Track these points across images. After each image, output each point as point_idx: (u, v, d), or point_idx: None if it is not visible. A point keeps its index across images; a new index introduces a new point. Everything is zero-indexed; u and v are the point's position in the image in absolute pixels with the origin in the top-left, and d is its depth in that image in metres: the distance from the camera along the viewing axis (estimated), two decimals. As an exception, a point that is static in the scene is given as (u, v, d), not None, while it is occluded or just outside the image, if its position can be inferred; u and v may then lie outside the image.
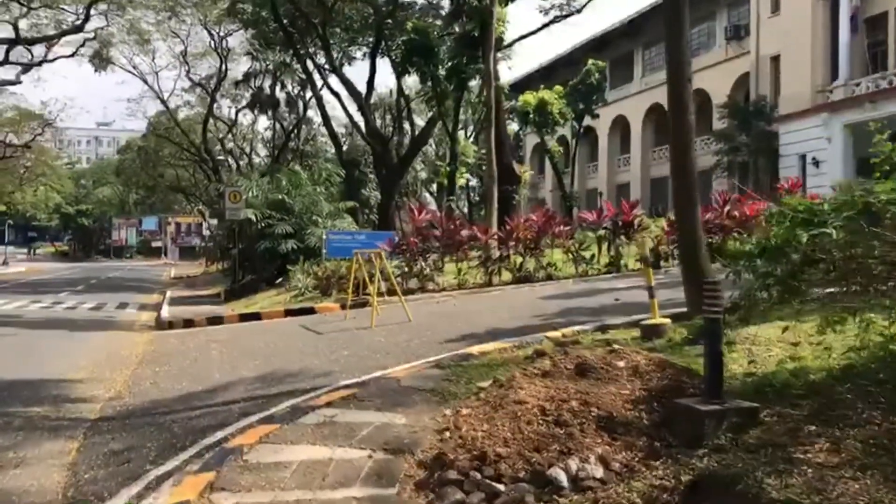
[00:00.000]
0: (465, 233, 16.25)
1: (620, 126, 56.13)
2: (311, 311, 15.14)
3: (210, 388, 8.41)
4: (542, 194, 62.51)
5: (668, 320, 7.80)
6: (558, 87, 46.01)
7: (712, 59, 46.09)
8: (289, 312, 15.30)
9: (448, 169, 32.00)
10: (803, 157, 36.48)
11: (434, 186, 70.81)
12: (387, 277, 11.52)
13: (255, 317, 15.58)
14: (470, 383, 6.53)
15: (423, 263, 15.39)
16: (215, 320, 15.93)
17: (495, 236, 16.55)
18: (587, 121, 49.46)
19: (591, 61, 47.75)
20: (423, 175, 63.67)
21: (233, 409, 7.17)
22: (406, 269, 15.64)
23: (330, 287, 17.18)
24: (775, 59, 39.89)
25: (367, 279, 12.73)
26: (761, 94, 39.85)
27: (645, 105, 52.81)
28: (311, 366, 8.74)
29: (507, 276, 16.29)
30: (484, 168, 41.75)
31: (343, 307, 14.86)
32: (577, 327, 8.64)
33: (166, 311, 20.47)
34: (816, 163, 35.50)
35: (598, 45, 53.17)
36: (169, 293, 30.98)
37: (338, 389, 7.15)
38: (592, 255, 16.71)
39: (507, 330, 9.44)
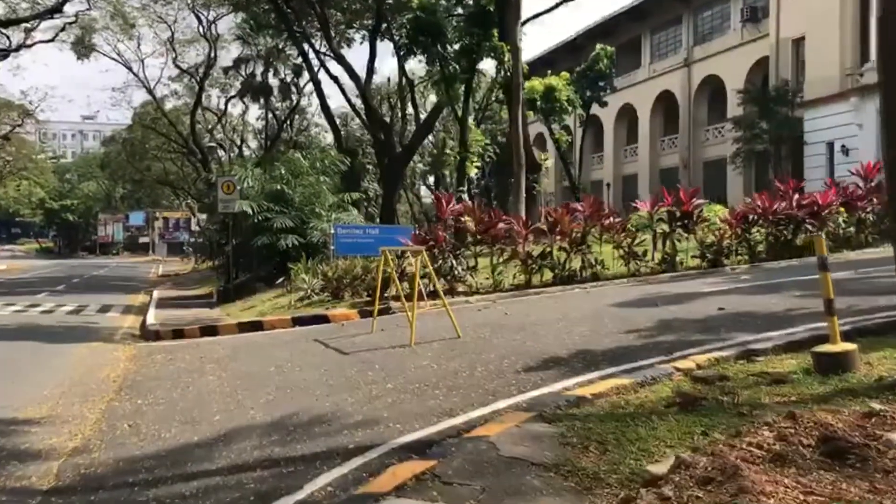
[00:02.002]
0: (501, 225, 13.95)
1: (627, 115, 54.06)
2: (323, 319, 12.82)
3: (209, 438, 6.13)
4: (546, 185, 60.36)
5: (853, 346, 5.56)
6: (565, 74, 43.75)
7: (726, 43, 44.02)
8: (297, 321, 12.95)
9: (457, 158, 29.62)
10: (831, 145, 34.36)
11: (431, 179, 68.59)
12: (430, 281, 9.20)
13: (257, 326, 13.22)
14: (607, 452, 4.27)
15: (453, 261, 13.07)
16: (209, 330, 13.58)
17: (535, 229, 14.24)
18: (592, 110, 47.26)
19: (599, 46, 45.58)
20: (421, 167, 61.45)
21: (243, 482, 4.90)
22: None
23: (341, 289, 14.88)
24: (797, 42, 37.81)
25: (396, 282, 10.42)
26: (783, 79, 37.68)
27: (653, 93, 50.78)
28: (344, 406, 6.43)
29: (547, 275, 14.03)
30: (489, 157, 39.84)
31: (363, 315, 12.59)
32: (711, 354, 6.35)
33: (153, 316, 18.17)
34: (846, 151, 33.38)
35: (603, 30, 51.08)
36: (156, 293, 28.72)
37: (400, 455, 4.87)
38: (645, 252, 14.45)
39: (600, 353, 7.13)
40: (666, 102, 50.23)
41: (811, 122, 35.40)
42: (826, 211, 15.11)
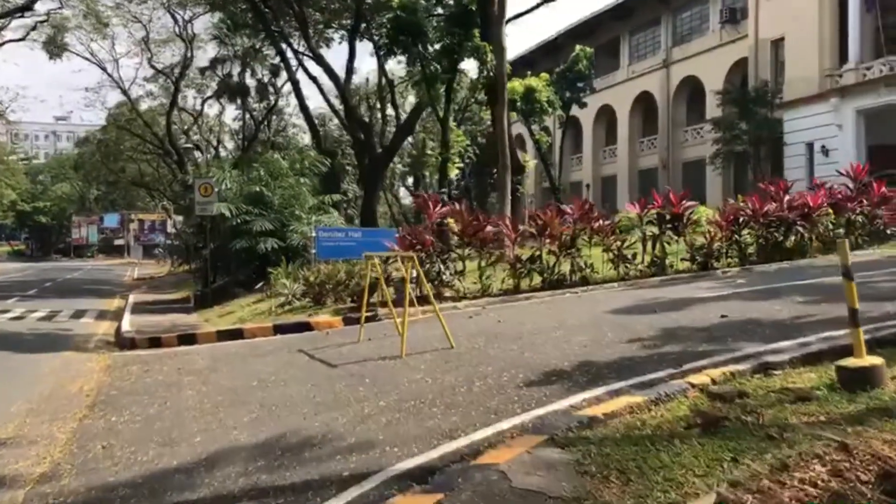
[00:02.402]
0: (489, 229, 13.55)
1: (606, 116, 54.02)
2: (306, 326, 12.35)
3: (189, 462, 5.68)
4: (527, 187, 60.22)
5: (880, 359, 5.22)
6: (544, 75, 43.56)
7: (705, 44, 44.13)
8: (278, 329, 12.47)
9: (438, 159, 29.21)
10: (810, 146, 34.44)
11: (410, 180, 68.11)
12: (420, 286, 8.79)
13: (237, 334, 12.72)
14: (630, 483, 3.89)
15: (441, 266, 12.65)
16: (188, 339, 13.05)
17: (526, 233, 13.85)
18: (571, 111, 47.12)
19: (578, 47, 45.47)
20: (400, 168, 60.98)
21: (230, 515, 4.48)
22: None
23: (324, 295, 14.42)
24: (776, 43, 37.92)
25: (384, 289, 10.00)
26: (763, 80, 37.72)
27: (632, 94, 50.79)
28: (335, 426, 5.99)
29: (536, 279, 13.67)
30: (468, 158, 39.47)
31: (347, 322, 12.16)
32: (725, 368, 5.98)
33: (128, 323, 17.57)
34: (826, 151, 33.47)
35: (582, 31, 51.08)
36: (132, 298, 28.04)
37: (400, 485, 4.46)
38: (635, 254, 14.13)
39: (604, 365, 6.75)
40: (645, 103, 50.26)
41: (791, 123, 35.47)
42: (816, 213, 14.91)
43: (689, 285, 12.37)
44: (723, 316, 8.42)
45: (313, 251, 17.43)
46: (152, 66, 50.09)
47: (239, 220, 20.56)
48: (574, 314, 9.87)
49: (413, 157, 56.59)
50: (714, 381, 5.64)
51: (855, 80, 32.32)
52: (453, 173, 31.94)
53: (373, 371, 7.78)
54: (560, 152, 50.25)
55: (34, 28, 43.10)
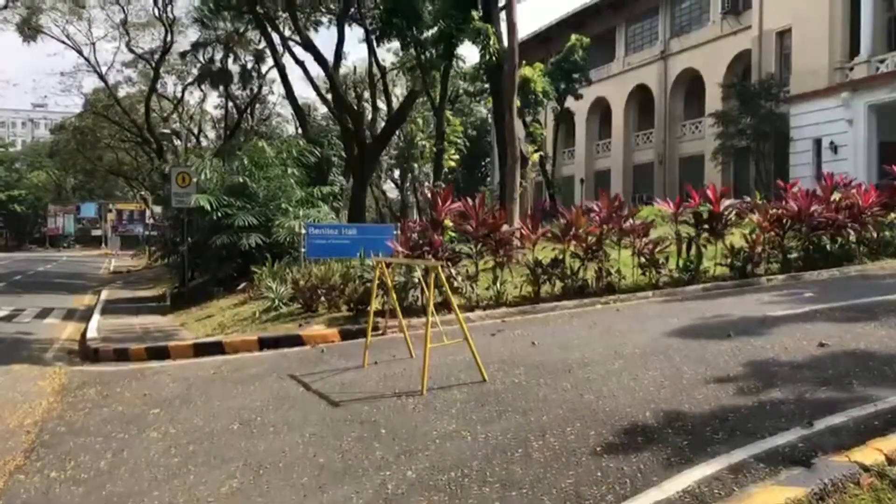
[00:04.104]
0: (506, 228, 11.85)
1: (600, 109, 52.49)
2: (296, 340, 10.58)
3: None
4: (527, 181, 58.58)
5: None
6: (539, 65, 41.91)
7: (705, 35, 42.63)
8: (264, 343, 10.69)
9: (433, 150, 27.48)
10: (818, 142, 33.02)
11: (397, 174, 66.39)
12: (446, 299, 7.07)
13: (216, 348, 10.92)
14: None
15: (451, 271, 10.94)
16: (159, 352, 11.27)
17: (548, 234, 12.16)
18: (566, 103, 45.53)
19: (574, 36, 43.83)
20: (387, 160, 59.26)
21: None
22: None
23: (315, 301, 12.69)
24: (781, 35, 36.47)
25: (395, 305, 8.27)
26: (769, 73, 36.27)
27: (628, 86, 49.30)
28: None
29: (555, 285, 12.00)
30: (458, 150, 37.77)
31: (345, 336, 10.46)
32: (890, 438, 4.38)
33: (95, 327, 15.83)
34: (835, 148, 32.09)
35: (576, 21, 49.38)
36: (104, 294, 26.32)
37: None
38: (667, 258, 12.51)
39: (699, 418, 5.07)
40: (641, 96, 48.84)
41: (797, 118, 34.03)
42: (867, 213, 13.33)
43: (740, 298, 10.72)
44: (821, 345, 6.78)
45: (302, 249, 15.69)
46: (131, 50, 48.02)
47: (220, 214, 18.79)
48: (625, 336, 8.14)
49: (399, 149, 54.93)
50: (890, 460, 4.02)
51: (867, 74, 30.90)
52: (449, 165, 30.20)
53: (388, 415, 6.05)
54: (554, 146, 48.62)
55: (5, 6, 41.01)
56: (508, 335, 9.01)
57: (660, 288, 12.25)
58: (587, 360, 6.92)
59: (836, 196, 13.76)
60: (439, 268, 6.73)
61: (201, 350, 10.97)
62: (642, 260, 12.28)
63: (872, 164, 30.04)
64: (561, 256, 11.79)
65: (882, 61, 30.69)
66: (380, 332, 9.51)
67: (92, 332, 14.83)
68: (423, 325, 10.42)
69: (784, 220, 13.01)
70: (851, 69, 31.88)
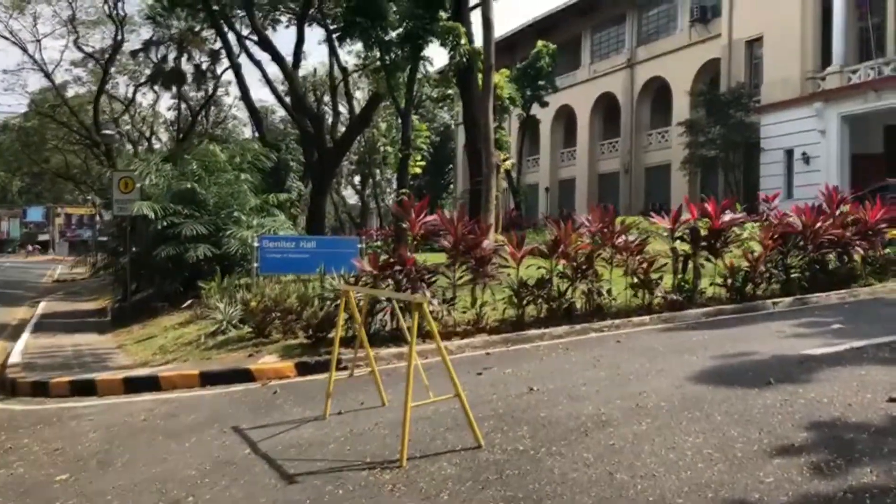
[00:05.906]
0: (487, 244, 10.50)
1: (565, 117, 51.68)
2: (244, 375, 9.06)
3: None
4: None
5: None
6: (505, 70, 40.89)
7: (673, 44, 42.07)
8: (206, 378, 9.16)
9: (398, 156, 26.09)
10: (790, 153, 32.47)
11: (357, 179, 64.88)
12: (434, 338, 5.65)
13: (151, 384, 9.34)
14: None
15: (426, 292, 9.56)
16: (85, 387, 9.66)
17: (535, 251, 10.81)
18: (531, 110, 44.61)
19: (541, 42, 42.95)
20: (347, 165, 57.76)
21: None
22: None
23: (268, 325, 11.22)
24: (751, 43, 36.02)
25: (363, 339, 6.84)
26: (738, 81, 35.69)
27: (593, 94, 48.58)
28: None
29: (542, 308, 10.69)
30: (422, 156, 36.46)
31: (301, 371, 9.01)
32: None
33: (20, 350, 14.13)
34: (807, 159, 31.53)
35: (542, 27, 48.55)
36: (42, 306, 24.49)
37: None
38: (661, 278, 11.28)
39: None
40: (607, 104, 48.17)
41: (768, 128, 33.51)
42: (874, 230, 12.30)
43: (753, 326, 9.46)
44: (892, 400, 5.55)
45: (255, 264, 14.17)
46: (80, 49, 45.96)
47: (165, 223, 17.16)
48: (641, 380, 6.70)
49: (361, 154, 53.43)
50: None
51: (839, 84, 30.38)
52: (415, 172, 28.82)
53: (359, 501, 4.62)
54: (519, 153, 47.54)
55: (-60, -2, 38.70)
56: (497, 374, 7.60)
57: (654, 311, 11.01)
58: (605, 418, 5.54)
59: (844, 209, 12.69)
60: (424, 305, 5.32)
61: (134, 386, 9.40)
62: (635, 280, 11.02)
63: (845, 177, 29.50)
64: (548, 276, 10.47)
65: (854, 72, 30.22)
66: (344, 368, 8.06)
67: (15, 357, 13.15)
68: (393, 359, 9.09)
69: (788, 238, 11.87)
70: (823, 79, 31.39)
